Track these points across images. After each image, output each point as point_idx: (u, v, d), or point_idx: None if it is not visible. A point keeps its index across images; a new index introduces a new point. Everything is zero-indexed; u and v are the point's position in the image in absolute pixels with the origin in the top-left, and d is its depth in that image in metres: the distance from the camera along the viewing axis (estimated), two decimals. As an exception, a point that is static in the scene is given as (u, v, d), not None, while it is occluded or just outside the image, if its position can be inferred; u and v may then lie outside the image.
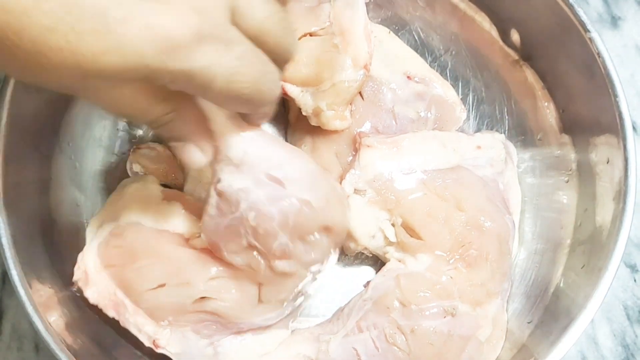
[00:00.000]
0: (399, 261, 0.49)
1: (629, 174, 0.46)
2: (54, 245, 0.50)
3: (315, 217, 0.42)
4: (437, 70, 0.58)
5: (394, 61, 0.56)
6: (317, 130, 0.53)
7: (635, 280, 0.58)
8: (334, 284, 0.53)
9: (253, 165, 0.40)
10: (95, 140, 0.56)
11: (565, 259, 0.50)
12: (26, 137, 0.49)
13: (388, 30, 0.58)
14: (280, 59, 0.37)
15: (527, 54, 0.55)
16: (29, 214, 0.49)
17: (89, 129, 0.55)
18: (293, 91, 0.52)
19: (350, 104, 0.53)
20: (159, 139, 0.55)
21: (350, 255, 0.53)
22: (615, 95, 0.47)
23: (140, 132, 0.58)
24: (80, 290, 0.45)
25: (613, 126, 0.47)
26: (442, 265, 0.47)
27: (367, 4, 0.54)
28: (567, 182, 0.53)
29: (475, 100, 0.58)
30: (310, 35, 0.52)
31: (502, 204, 0.51)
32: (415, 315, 0.45)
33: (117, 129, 0.57)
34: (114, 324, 0.45)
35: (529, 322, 0.49)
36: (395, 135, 0.52)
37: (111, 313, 0.44)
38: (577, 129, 0.52)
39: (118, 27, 0.28)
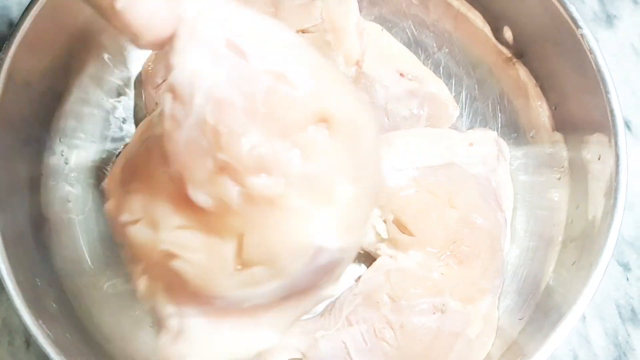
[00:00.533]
0: (391, 257, 0.49)
1: (620, 171, 0.46)
2: (44, 241, 0.50)
3: (299, 99, 0.29)
4: (430, 68, 0.58)
5: (386, 58, 0.56)
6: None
7: (627, 279, 0.58)
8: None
9: (209, 29, 0.29)
10: (86, 136, 0.56)
11: (557, 256, 0.50)
12: (17, 133, 0.49)
13: (381, 27, 0.58)
14: None
15: (520, 52, 0.55)
16: (19, 209, 0.49)
17: (81, 125, 0.55)
18: (285, 88, 0.52)
19: (343, 101, 0.53)
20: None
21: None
22: (607, 92, 0.47)
23: (132, 129, 0.58)
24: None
25: (605, 123, 0.47)
26: (433, 261, 0.47)
27: (360, 1, 0.54)
28: (559, 179, 0.52)
29: (468, 98, 0.58)
30: (303, 32, 0.52)
31: (494, 201, 0.51)
32: (405, 310, 0.45)
33: (109, 126, 0.57)
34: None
35: (520, 319, 0.49)
36: (387, 132, 0.52)
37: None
38: (570, 127, 0.52)
39: None
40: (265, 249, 0.30)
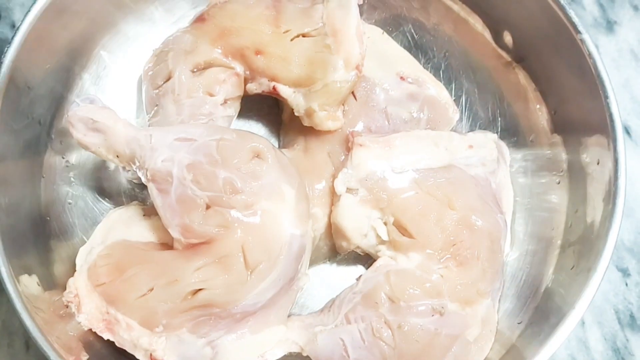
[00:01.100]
0: (391, 258, 0.49)
1: (619, 175, 0.46)
2: (44, 243, 0.50)
3: (235, 144, 0.46)
4: (430, 72, 0.58)
5: (387, 62, 0.56)
6: (310, 131, 0.53)
7: (626, 285, 0.58)
8: (325, 283, 0.53)
9: (162, 140, 0.46)
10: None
11: (556, 260, 0.50)
12: (18, 135, 0.49)
13: (382, 31, 0.58)
14: None
15: (520, 56, 0.55)
16: (20, 212, 0.49)
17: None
18: (285, 92, 0.52)
19: (343, 104, 0.53)
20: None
21: (342, 254, 0.53)
22: (606, 97, 0.47)
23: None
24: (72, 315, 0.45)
25: (603, 127, 0.47)
26: (432, 263, 0.47)
27: (361, 5, 0.54)
28: (559, 183, 0.53)
29: (468, 102, 0.59)
30: (303, 36, 0.52)
31: (494, 202, 0.51)
32: (403, 311, 0.45)
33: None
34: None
35: (519, 323, 0.49)
36: (387, 135, 0.52)
37: (106, 335, 0.45)
38: (569, 130, 0.52)
39: None
40: (261, 246, 0.44)
